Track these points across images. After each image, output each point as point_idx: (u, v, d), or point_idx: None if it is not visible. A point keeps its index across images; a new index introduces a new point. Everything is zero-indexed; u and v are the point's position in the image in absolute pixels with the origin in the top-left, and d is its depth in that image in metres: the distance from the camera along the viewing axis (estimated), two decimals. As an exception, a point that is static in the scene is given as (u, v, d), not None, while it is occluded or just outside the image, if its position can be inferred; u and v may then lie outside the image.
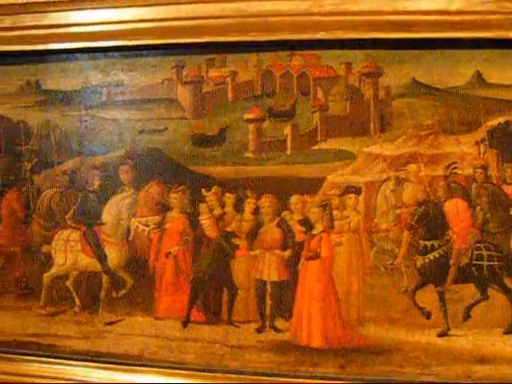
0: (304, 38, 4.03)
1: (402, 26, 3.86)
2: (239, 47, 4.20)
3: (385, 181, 4.19)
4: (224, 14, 4.01)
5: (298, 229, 4.28)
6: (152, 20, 4.17)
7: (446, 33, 3.87)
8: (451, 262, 4.14)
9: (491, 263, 4.11)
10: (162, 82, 4.40)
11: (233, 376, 4.25)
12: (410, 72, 4.06)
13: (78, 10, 4.23)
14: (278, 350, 4.28)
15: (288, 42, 4.09)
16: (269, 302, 4.34)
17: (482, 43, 3.88)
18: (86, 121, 4.48)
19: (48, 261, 4.74)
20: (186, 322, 4.44)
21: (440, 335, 4.10)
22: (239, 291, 4.37)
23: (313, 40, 4.02)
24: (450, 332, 4.10)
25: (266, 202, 4.24)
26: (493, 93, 4.04)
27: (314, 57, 4.21)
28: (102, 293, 4.61)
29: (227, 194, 4.35)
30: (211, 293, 4.44)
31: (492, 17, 3.79)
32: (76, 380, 4.49)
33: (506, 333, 4.06)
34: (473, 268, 4.14)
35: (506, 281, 4.12)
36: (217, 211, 4.38)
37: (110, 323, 4.57)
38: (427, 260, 4.12)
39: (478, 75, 4.03)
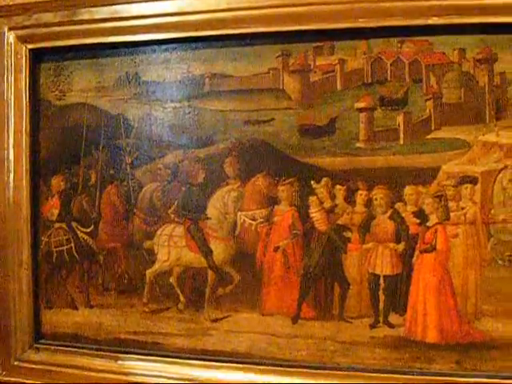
0: (415, 24, 4.55)
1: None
2: (348, 34, 4.73)
3: (502, 170, 4.66)
4: (331, -1, 4.45)
5: (412, 221, 4.78)
6: (256, 7, 4.71)
7: None
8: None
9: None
10: (268, 72, 4.95)
11: (345, 373, 4.75)
12: None
13: (178, -2, 4.68)
14: (391, 346, 4.78)
15: (399, 28, 4.60)
16: (382, 296, 4.84)
17: None
18: (188, 113, 5.04)
19: (151, 257, 5.28)
20: (295, 318, 4.95)
21: (524, 330, 4.46)
22: (351, 286, 4.88)
23: (425, 25, 4.53)
24: (525, 326, 4.46)
25: (379, 193, 4.77)
26: None
27: (425, 43, 4.72)
28: (208, 289, 5.15)
29: (338, 186, 4.85)
30: (322, 288, 4.94)
31: None
32: (181, 379, 5.01)
33: None
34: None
35: None
36: (327, 204, 4.89)
37: (216, 320, 5.10)
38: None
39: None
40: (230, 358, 4.98)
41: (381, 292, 4.84)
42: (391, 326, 4.80)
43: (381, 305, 4.82)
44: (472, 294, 4.69)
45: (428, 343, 4.71)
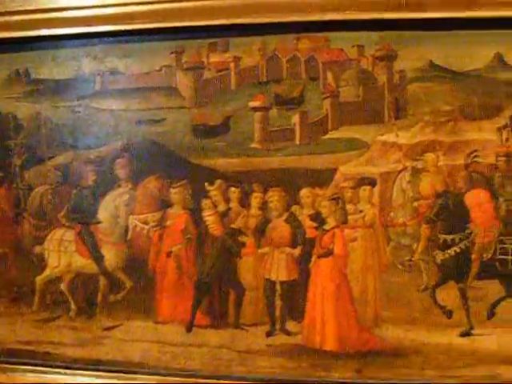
0: (312, 20, 4.26)
1: (417, 5, 4.10)
2: (242, 30, 4.42)
3: (401, 171, 4.42)
4: (226, -6, 4.11)
5: (308, 224, 4.51)
6: (148, 2, 4.39)
7: (464, 12, 4.11)
8: (473, 256, 4.37)
9: (515, 257, 4.33)
10: (160, 69, 4.63)
11: (240, 383, 4.48)
12: (425, 54, 4.27)
13: (68, -7, 4.32)
14: (289, 355, 4.51)
15: (295, 24, 4.31)
16: (279, 303, 4.56)
17: (502, 23, 4.09)
18: (78, 112, 4.71)
19: (41, 263, 4.96)
20: (190, 327, 4.67)
21: (463, 335, 4.33)
22: (246, 292, 4.59)
23: (321, 21, 4.24)
24: (473, 331, 4.33)
25: (274, 196, 4.48)
26: (515, 76, 4.27)
27: (322, 39, 4.43)
28: (99, 296, 4.83)
29: (232, 189, 4.58)
30: (216, 294, 4.66)
31: None
32: (74, 389, 4.58)
33: (548, 332, 4.15)
34: (497, 263, 4.37)
35: (522, 275, 4.21)
36: (221, 207, 4.62)
37: (108, 328, 4.80)
38: (447, 255, 4.38)
39: (499, 57, 4.26)
40: (123, 368, 4.69)
41: (277, 298, 4.58)
42: (288, 333, 4.55)
43: (277, 312, 4.57)
44: (371, 300, 4.44)
45: (326, 351, 4.46)
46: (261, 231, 4.56)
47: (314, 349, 4.47)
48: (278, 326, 4.55)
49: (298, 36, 4.43)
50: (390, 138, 4.37)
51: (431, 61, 4.24)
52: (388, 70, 4.36)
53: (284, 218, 4.50)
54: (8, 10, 4.59)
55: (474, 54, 4.19)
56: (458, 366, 4.28)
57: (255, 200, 4.54)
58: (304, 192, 4.46)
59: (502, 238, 4.35)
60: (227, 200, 4.59)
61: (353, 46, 4.38)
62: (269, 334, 4.56)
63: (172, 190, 4.64)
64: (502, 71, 4.21)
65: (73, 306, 4.90)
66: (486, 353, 4.27)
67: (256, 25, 4.30)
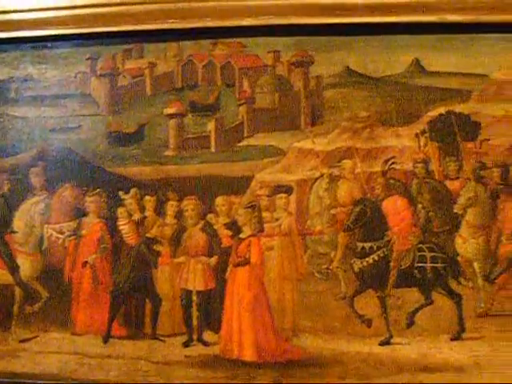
0: (228, 25, 4.13)
1: (332, 10, 4.01)
2: (158, 36, 4.30)
3: (318, 179, 4.29)
4: (141, -1, 3.93)
5: (224, 233, 4.35)
6: (63, 8, 4.25)
7: (381, 17, 4.02)
8: (392, 264, 4.25)
9: (435, 265, 4.26)
10: (75, 76, 4.49)
11: None
12: (342, 60, 4.15)
13: (-22, -4, 4.11)
14: (206, 365, 4.33)
15: (211, 30, 4.17)
16: (196, 313, 4.41)
17: (420, 28, 3.99)
18: (-8, 119, 4.58)
19: None
20: (106, 338, 4.50)
21: (382, 344, 4.21)
22: (163, 302, 4.43)
23: (237, 27, 4.10)
24: (392, 340, 4.21)
25: (189, 204, 4.34)
26: (433, 81, 4.18)
27: (239, 45, 4.29)
28: (15, 307, 4.63)
29: (147, 197, 4.43)
30: (133, 305, 4.50)
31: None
32: (-11, 403, 4.36)
33: (452, 339, 4.19)
34: (415, 271, 4.27)
35: (451, 284, 4.25)
36: (136, 216, 4.46)
37: (25, 340, 4.62)
38: (366, 263, 4.25)
39: (417, 62, 4.15)
40: (40, 381, 4.53)
41: (194, 308, 4.42)
42: (206, 344, 4.39)
43: (194, 322, 4.41)
44: (289, 309, 4.30)
45: (245, 361, 4.29)
46: (177, 240, 4.41)
47: (231, 359, 4.31)
48: (195, 337, 4.39)
49: (215, 41, 4.32)
50: (306, 144, 4.24)
51: (348, 66, 4.11)
52: (304, 76, 4.23)
53: (200, 226, 4.35)
54: None
55: (393, 60, 4.08)
56: (378, 374, 4.16)
57: (170, 208, 4.39)
58: (219, 200, 4.33)
59: (420, 245, 4.27)
60: (142, 209, 4.43)
61: (268, 52, 4.24)
62: (186, 345, 4.40)
63: (87, 199, 4.48)
64: (420, 77, 4.10)
65: (-12, 318, 4.42)
66: (405, 361, 4.15)
67: (171, 30, 4.19)
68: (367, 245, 4.15)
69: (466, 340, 4.20)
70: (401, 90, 4.05)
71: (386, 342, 4.18)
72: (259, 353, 4.28)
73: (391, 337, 4.18)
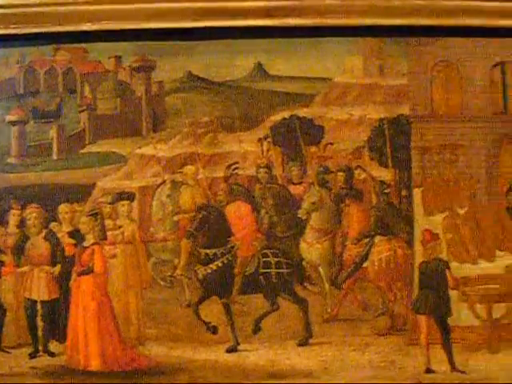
0: (69, 30, 4.02)
1: (173, 14, 3.93)
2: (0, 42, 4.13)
3: (160, 185, 4.22)
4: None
5: (67, 241, 4.25)
6: None
7: (222, 21, 3.92)
8: (236, 270, 4.18)
9: (280, 271, 4.20)
10: None
11: None
12: (184, 65, 4.07)
13: None
14: (53, 376, 4.22)
15: (53, 35, 4.07)
16: (40, 323, 4.29)
17: (263, 32, 3.92)
18: None
19: None
20: None
21: (229, 351, 4.14)
22: (8, 313, 4.31)
23: (79, 32, 4.02)
24: (239, 347, 4.15)
25: (32, 212, 4.22)
26: (276, 85, 4.12)
27: (80, 51, 4.20)
28: None
29: None
30: None
31: (269, 3, 3.94)
32: None
33: (300, 345, 4.15)
34: (260, 277, 4.20)
35: (297, 289, 4.19)
36: None
37: None
38: (210, 270, 4.17)
39: (260, 66, 4.10)
40: None
41: (39, 318, 4.31)
42: (52, 354, 4.29)
43: (40, 332, 4.31)
44: (134, 317, 4.24)
45: (91, 371, 4.20)
46: (20, 249, 4.29)
47: (78, 369, 4.22)
48: (41, 348, 4.28)
49: (57, 47, 4.25)
50: (148, 150, 4.17)
51: (190, 71, 4.01)
52: (146, 82, 4.15)
53: (43, 235, 4.25)
54: None
55: (235, 64, 4.01)
56: (225, 381, 4.09)
57: (13, 217, 4.28)
58: (62, 208, 4.22)
59: (265, 251, 4.21)
60: (-16, 218, 4.07)
61: (110, 58, 4.16)
62: (32, 356, 4.30)
63: None
64: (263, 81, 4.04)
65: None
66: (253, 368, 4.10)
67: (13, 36, 4.10)
68: (211, 251, 4.07)
69: (313, 345, 4.17)
70: (243, 94, 3.97)
71: (232, 349, 4.12)
72: (105, 362, 4.19)
73: (238, 344, 4.12)
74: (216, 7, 3.78)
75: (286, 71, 3.96)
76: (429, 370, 4.15)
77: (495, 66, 4.17)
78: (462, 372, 4.12)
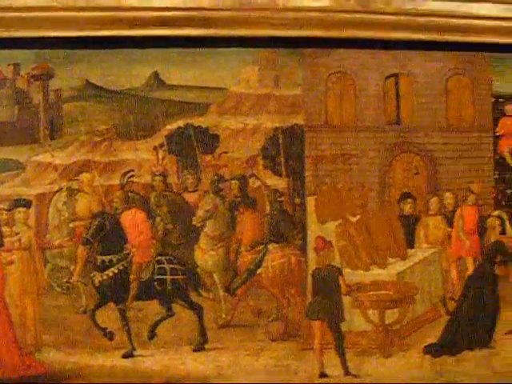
0: None
1: (72, 23, 3.91)
2: None
3: (57, 192, 4.22)
4: None
5: None
6: None
7: (117, 30, 3.96)
8: (132, 277, 4.20)
9: (175, 277, 4.25)
10: None
11: None
12: (83, 73, 4.08)
13: None
14: None
15: None
16: None
17: (160, 42, 3.96)
18: None
19: None
20: None
21: (125, 356, 4.17)
22: None
23: None
24: (135, 352, 4.19)
25: None
26: (172, 94, 4.16)
27: None
28: None
29: None
30: None
31: (166, 13, 3.95)
32: None
33: (195, 350, 4.20)
34: (155, 283, 4.24)
35: (192, 295, 4.24)
36: None
37: None
38: (106, 276, 4.19)
39: (157, 76, 4.15)
40: None
41: None
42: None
43: None
44: (31, 324, 4.23)
45: (-11, 377, 3.97)
46: None
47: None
48: None
49: (-44, 54, 3.99)
50: (45, 158, 4.17)
51: (88, 80, 4.03)
52: (44, 89, 4.14)
53: None
54: None
55: (133, 73, 4.02)
56: (122, 387, 3.87)
57: None
58: (-37, 216, 3.94)
59: (160, 257, 4.24)
60: None
61: (8, 65, 4.14)
62: None
63: None
64: (160, 90, 4.06)
65: None
66: (149, 373, 4.15)
67: None
68: (107, 258, 4.08)
69: (208, 350, 4.22)
70: (140, 103, 3.99)
71: (128, 355, 4.16)
72: (3, 369, 4.18)
73: (134, 349, 4.15)
74: (114, 17, 3.77)
75: (183, 81, 3.98)
76: (322, 374, 4.21)
77: (389, 77, 4.17)
78: (356, 376, 4.10)
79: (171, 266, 4.07)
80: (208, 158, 4.06)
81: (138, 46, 3.95)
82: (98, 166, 4.03)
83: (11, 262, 4.23)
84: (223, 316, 4.16)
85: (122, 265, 4.02)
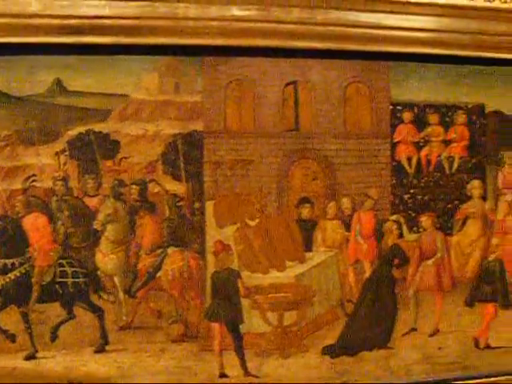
0: None
1: None
2: None
3: (-38, 198, 4.23)
4: None
5: None
6: None
7: (20, 37, 4.02)
8: (34, 280, 4.26)
9: (76, 280, 4.33)
10: None
11: None
12: None
13: None
14: None
15: None
16: None
17: (62, 49, 4.02)
18: None
19: None
20: None
21: (27, 358, 4.23)
22: None
23: None
24: (37, 354, 4.25)
25: None
26: (74, 101, 4.23)
27: None
28: None
29: None
30: None
31: (67, 22, 4.01)
32: None
33: (96, 352, 4.28)
34: (57, 286, 4.31)
35: (93, 298, 4.33)
36: None
37: None
38: (8, 279, 4.23)
39: (59, 82, 4.20)
40: None
41: None
42: None
43: None
44: None
45: None
46: None
47: None
48: None
49: None
50: None
51: (-10, 86, 3.98)
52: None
53: None
54: None
55: (35, 80, 4.05)
56: (22, 388, 3.93)
57: None
58: None
59: (61, 261, 4.31)
60: None
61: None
62: None
63: None
64: (62, 96, 4.12)
65: None
66: (52, 375, 4.20)
67: None
68: (9, 261, 4.13)
69: (110, 352, 4.28)
70: (42, 109, 4.05)
71: (31, 357, 4.22)
72: None
73: (36, 351, 4.21)
74: (17, 23, 3.82)
75: (84, 87, 4.04)
76: (222, 375, 4.34)
77: (288, 84, 4.26)
78: (255, 376, 4.24)
79: (72, 269, 4.14)
80: (109, 163, 4.13)
81: (42, 52, 3.92)
82: (1, 171, 4.07)
83: None
84: (124, 318, 4.23)
85: (24, 268, 4.07)
